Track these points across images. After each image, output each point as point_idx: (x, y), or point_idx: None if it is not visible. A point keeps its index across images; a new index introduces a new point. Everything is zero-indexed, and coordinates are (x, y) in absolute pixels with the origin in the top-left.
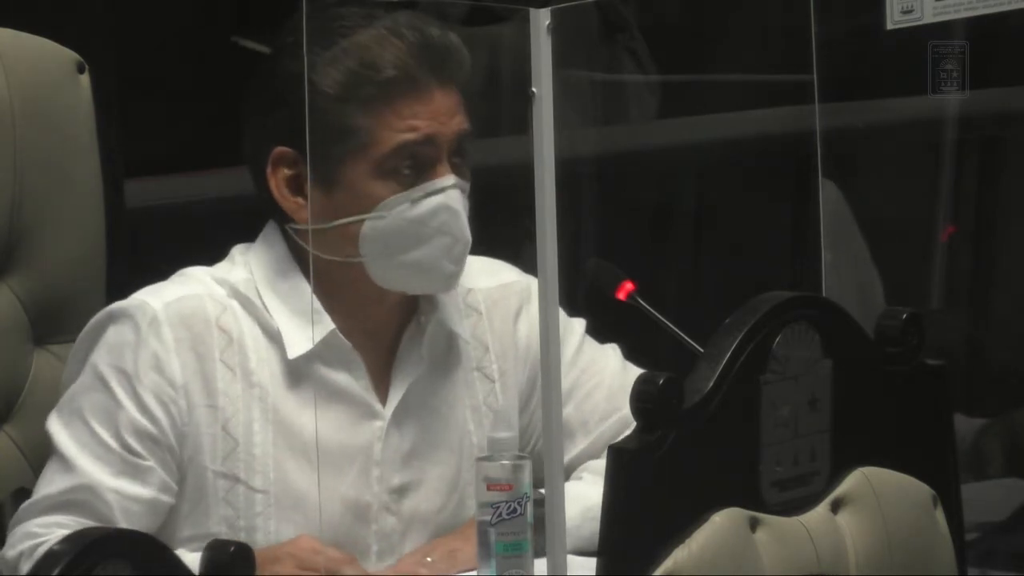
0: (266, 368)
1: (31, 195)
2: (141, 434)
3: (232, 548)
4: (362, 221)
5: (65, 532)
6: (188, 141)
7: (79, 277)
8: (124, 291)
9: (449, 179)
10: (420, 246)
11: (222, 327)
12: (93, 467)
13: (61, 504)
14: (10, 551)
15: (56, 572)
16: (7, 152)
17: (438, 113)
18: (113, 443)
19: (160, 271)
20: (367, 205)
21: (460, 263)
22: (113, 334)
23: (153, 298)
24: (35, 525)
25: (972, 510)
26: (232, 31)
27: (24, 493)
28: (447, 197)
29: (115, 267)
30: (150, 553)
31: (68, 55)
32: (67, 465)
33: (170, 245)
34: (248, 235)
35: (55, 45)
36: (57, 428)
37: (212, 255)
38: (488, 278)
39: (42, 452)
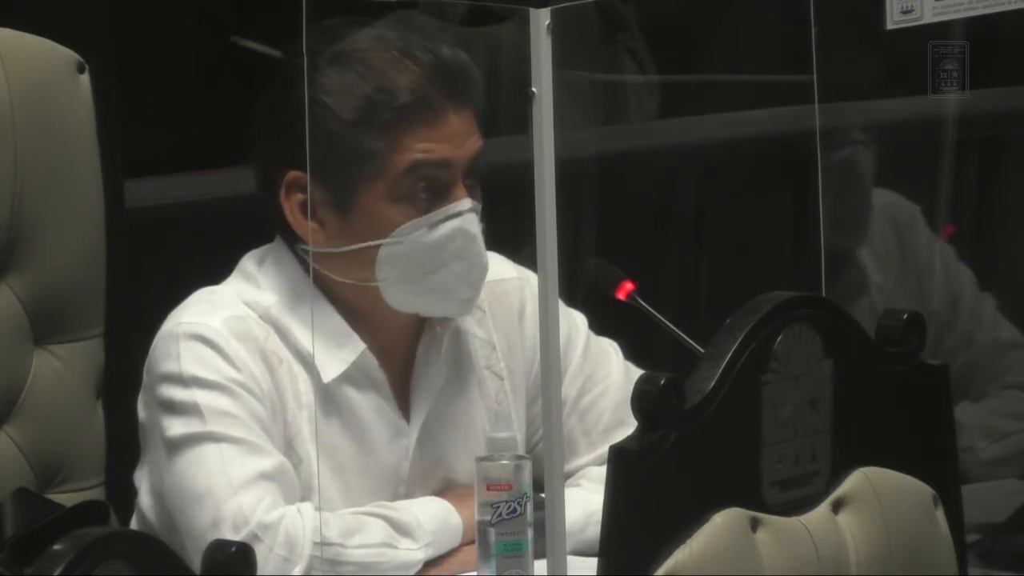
0: (309, 391)
1: (31, 195)
2: (258, 416)
3: (232, 548)
4: (379, 246)
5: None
6: (188, 141)
7: (79, 277)
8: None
9: (465, 203)
10: (437, 271)
11: (272, 349)
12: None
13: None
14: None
15: (56, 572)
16: (7, 152)
17: (453, 136)
18: (248, 426)
19: (159, 273)
20: (384, 230)
21: (477, 288)
22: (188, 352)
23: (205, 318)
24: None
25: (972, 511)
26: (232, 31)
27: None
28: (464, 221)
29: (115, 267)
30: (150, 553)
31: (68, 55)
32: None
33: (170, 245)
34: (247, 236)
35: (55, 45)
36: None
37: (212, 255)
38: None
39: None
